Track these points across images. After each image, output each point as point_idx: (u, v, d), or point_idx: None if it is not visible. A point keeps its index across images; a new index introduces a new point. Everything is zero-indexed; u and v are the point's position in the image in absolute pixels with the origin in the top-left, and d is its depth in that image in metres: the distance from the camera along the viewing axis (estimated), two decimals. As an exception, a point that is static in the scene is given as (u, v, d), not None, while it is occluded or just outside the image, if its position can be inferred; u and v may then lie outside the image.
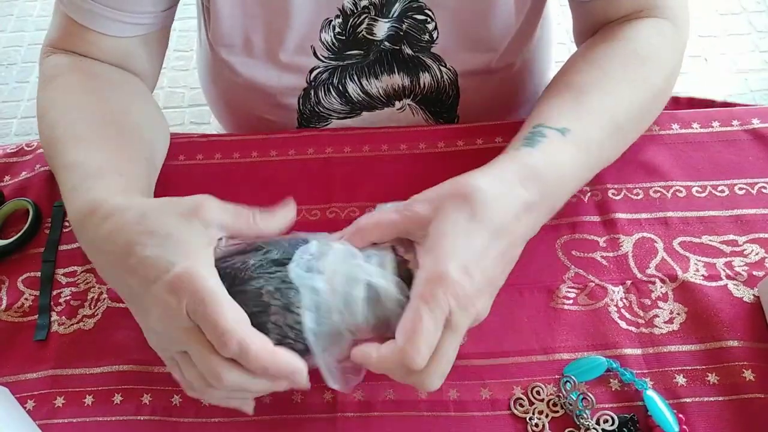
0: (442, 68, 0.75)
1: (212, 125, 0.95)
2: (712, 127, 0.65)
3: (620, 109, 0.56)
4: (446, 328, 0.43)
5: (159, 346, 0.47)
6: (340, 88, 0.75)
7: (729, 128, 0.65)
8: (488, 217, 0.46)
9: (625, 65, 0.58)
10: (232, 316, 0.41)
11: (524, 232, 0.49)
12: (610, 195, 0.61)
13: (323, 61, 0.72)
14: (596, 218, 0.60)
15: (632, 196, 0.61)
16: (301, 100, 0.77)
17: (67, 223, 0.63)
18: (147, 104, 0.66)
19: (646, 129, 0.63)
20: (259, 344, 0.42)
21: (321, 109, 0.78)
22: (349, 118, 0.79)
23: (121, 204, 0.48)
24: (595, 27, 0.66)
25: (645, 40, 0.60)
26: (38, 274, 0.60)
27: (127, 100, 0.64)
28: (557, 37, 0.95)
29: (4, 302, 0.58)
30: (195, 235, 0.45)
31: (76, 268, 0.60)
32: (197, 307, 0.41)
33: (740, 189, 0.61)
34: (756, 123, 0.65)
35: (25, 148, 0.69)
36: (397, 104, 0.78)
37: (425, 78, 0.75)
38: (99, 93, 0.62)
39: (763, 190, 0.61)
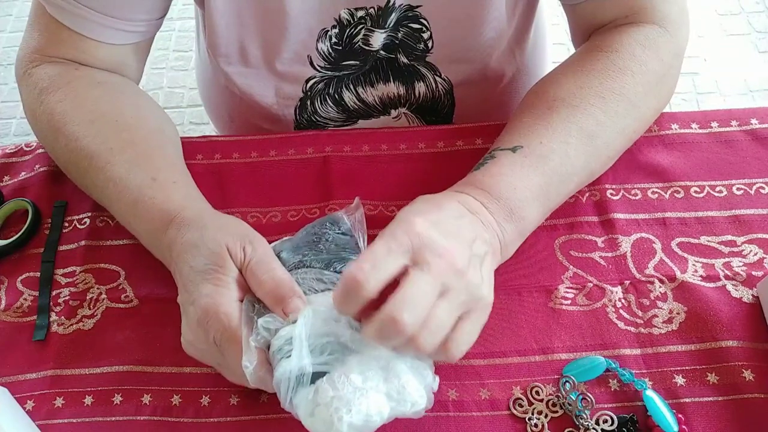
0: (437, 78, 0.75)
1: (212, 125, 0.95)
2: (711, 127, 0.66)
3: (590, 120, 0.56)
4: (416, 265, 0.43)
5: (195, 355, 0.50)
6: (336, 96, 0.76)
7: (728, 128, 0.65)
8: (441, 205, 0.49)
9: (600, 77, 0.58)
10: (247, 358, 0.45)
11: (484, 222, 0.50)
12: (608, 195, 0.61)
13: (320, 71, 0.72)
14: (594, 218, 0.60)
15: (630, 197, 0.61)
16: (297, 110, 0.77)
17: (66, 224, 0.63)
18: (155, 105, 0.66)
19: (635, 135, 0.62)
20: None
21: (318, 118, 0.78)
22: (346, 126, 0.79)
23: (189, 217, 0.53)
24: (587, 29, 0.66)
25: (626, 49, 0.60)
26: (37, 274, 0.60)
27: (139, 104, 0.64)
28: (555, 37, 0.95)
29: (3, 302, 0.58)
30: (229, 268, 0.48)
31: (75, 268, 0.60)
32: (222, 343, 0.46)
33: (738, 189, 0.61)
34: (755, 123, 0.65)
35: (25, 148, 0.69)
36: (393, 113, 0.79)
37: (420, 87, 0.75)
38: (113, 101, 0.62)
39: (762, 191, 0.61)
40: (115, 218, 0.61)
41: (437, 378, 0.46)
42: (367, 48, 0.70)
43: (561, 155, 0.55)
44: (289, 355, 0.44)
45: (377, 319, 0.42)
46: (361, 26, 0.68)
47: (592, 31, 0.65)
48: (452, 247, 0.45)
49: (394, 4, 0.66)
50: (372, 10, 0.67)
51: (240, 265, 0.49)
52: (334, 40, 0.69)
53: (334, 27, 0.68)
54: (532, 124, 0.57)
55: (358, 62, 0.72)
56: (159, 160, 0.59)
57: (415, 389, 0.44)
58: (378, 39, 0.69)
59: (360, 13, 0.67)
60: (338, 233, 0.51)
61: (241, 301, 0.48)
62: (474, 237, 0.48)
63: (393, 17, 0.67)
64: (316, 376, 0.43)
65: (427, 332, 0.43)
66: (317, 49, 0.70)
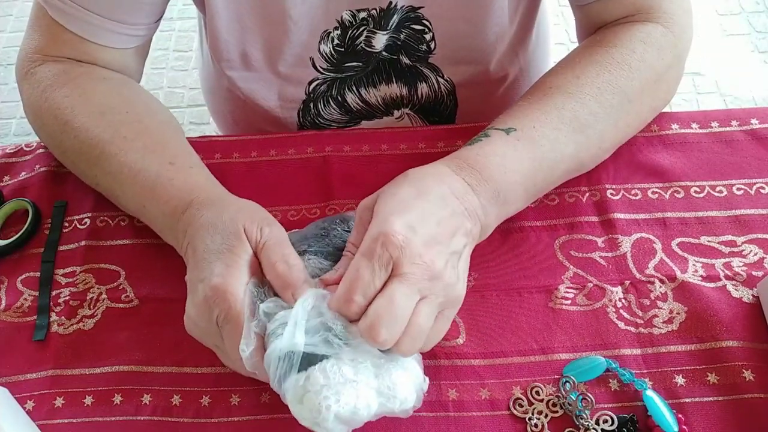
0: (440, 79, 0.75)
1: (212, 125, 0.95)
2: (711, 127, 0.66)
3: (584, 109, 0.57)
4: (394, 277, 0.44)
5: (196, 334, 0.50)
6: (339, 98, 0.76)
7: (728, 128, 0.65)
8: (427, 189, 0.49)
9: (597, 69, 0.59)
10: (245, 342, 0.45)
11: (469, 210, 0.50)
12: (608, 195, 0.61)
13: (322, 73, 0.72)
14: (595, 218, 0.60)
15: (630, 197, 0.61)
16: (300, 113, 0.77)
17: (66, 224, 0.63)
18: (158, 102, 0.66)
19: (629, 129, 0.62)
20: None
21: (321, 120, 0.78)
22: (348, 127, 0.79)
23: (210, 198, 0.53)
24: (593, 28, 0.66)
25: (626, 45, 0.60)
26: (37, 274, 0.60)
27: (146, 99, 0.64)
28: (555, 37, 0.95)
29: (3, 302, 0.58)
30: (245, 250, 0.48)
31: (75, 268, 0.60)
32: (224, 325, 0.46)
33: (738, 189, 0.61)
34: (755, 123, 0.65)
35: (25, 148, 0.69)
36: (396, 113, 0.79)
37: (423, 88, 0.76)
38: (120, 95, 0.62)
39: (762, 191, 0.61)
40: (123, 207, 0.60)
41: (427, 379, 0.47)
42: (369, 49, 0.70)
43: (552, 141, 0.56)
44: (282, 335, 0.44)
45: (360, 329, 0.44)
46: (363, 27, 0.68)
47: (597, 30, 0.65)
48: (430, 253, 0.46)
49: (395, 5, 0.66)
50: (374, 11, 0.67)
51: (255, 245, 0.49)
52: (336, 41, 0.69)
53: (336, 28, 0.68)
54: (527, 108, 0.58)
55: (360, 63, 0.72)
56: (174, 147, 0.59)
57: (405, 387, 0.45)
58: (380, 40, 0.69)
59: (362, 15, 0.67)
60: (345, 231, 0.52)
61: None
62: (454, 231, 0.49)
63: (395, 19, 0.67)
64: (306, 358, 0.43)
65: (409, 339, 0.45)
66: (319, 50, 0.70)
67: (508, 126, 0.56)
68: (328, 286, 0.48)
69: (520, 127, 0.56)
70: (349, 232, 0.52)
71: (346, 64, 0.72)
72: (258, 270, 0.49)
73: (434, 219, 0.48)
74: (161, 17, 0.66)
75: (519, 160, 0.54)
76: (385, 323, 0.43)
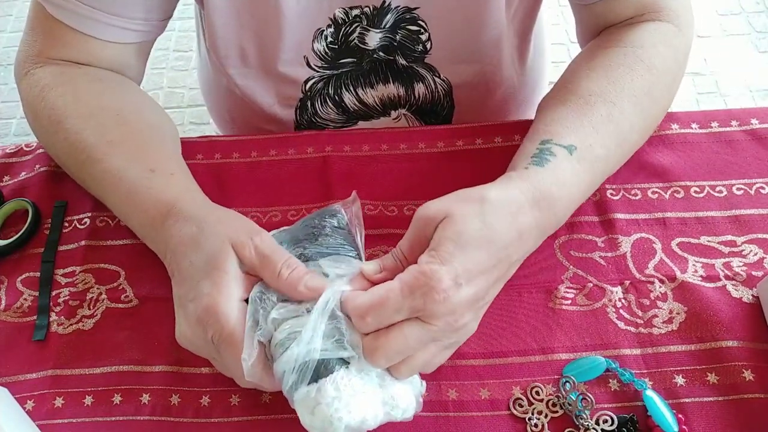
0: (437, 79, 0.75)
1: (212, 125, 0.95)
2: (711, 127, 0.66)
3: (625, 121, 0.57)
4: (418, 318, 0.44)
5: (191, 349, 0.49)
6: (336, 98, 0.76)
7: (728, 128, 0.65)
8: (496, 233, 0.47)
9: (630, 73, 0.58)
10: (247, 352, 0.45)
11: (526, 252, 0.50)
12: (608, 195, 0.61)
13: (317, 71, 0.72)
14: (595, 218, 0.60)
15: (630, 197, 0.61)
16: (297, 111, 0.77)
17: (66, 224, 0.63)
18: (155, 104, 0.66)
19: (649, 134, 0.63)
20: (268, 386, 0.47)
21: (318, 119, 0.78)
22: (346, 127, 0.79)
23: (187, 209, 0.52)
24: (597, 29, 0.65)
25: (650, 47, 0.60)
26: (37, 274, 0.60)
27: (140, 101, 0.64)
28: (555, 37, 0.95)
29: (3, 302, 0.58)
30: (231, 266, 0.48)
31: (75, 268, 0.60)
32: (219, 344, 0.46)
33: (738, 189, 0.61)
34: (755, 123, 0.65)
35: (25, 148, 0.69)
36: (393, 114, 0.79)
37: (420, 88, 0.75)
38: (113, 96, 0.62)
39: (762, 191, 0.61)
40: (113, 213, 0.60)
41: (424, 383, 0.48)
42: (362, 46, 0.70)
43: (603, 162, 0.56)
44: (292, 345, 0.44)
45: (363, 344, 0.44)
46: (357, 24, 0.68)
47: (602, 30, 0.65)
48: (463, 309, 0.45)
49: (389, 4, 0.66)
50: (367, 9, 0.67)
51: (250, 260, 0.48)
52: (329, 39, 0.69)
53: (329, 26, 0.68)
54: (576, 119, 0.56)
55: (354, 59, 0.72)
56: (157, 153, 0.59)
57: (406, 397, 0.46)
58: (374, 38, 0.69)
59: (355, 12, 0.67)
60: (336, 227, 0.51)
61: (243, 299, 0.48)
62: (498, 280, 0.48)
63: (389, 18, 0.67)
64: (317, 366, 0.44)
65: (409, 370, 0.45)
66: (313, 49, 0.70)
67: (568, 143, 0.54)
68: (364, 275, 0.47)
69: (579, 146, 0.54)
70: (341, 228, 0.51)
71: (341, 61, 0.72)
72: (249, 284, 0.48)
73: (487, 275, 0.46)
74: (165, 18, 0.66)
75: (580, 188, 0.54)
76: (388, 355, 0.44)
